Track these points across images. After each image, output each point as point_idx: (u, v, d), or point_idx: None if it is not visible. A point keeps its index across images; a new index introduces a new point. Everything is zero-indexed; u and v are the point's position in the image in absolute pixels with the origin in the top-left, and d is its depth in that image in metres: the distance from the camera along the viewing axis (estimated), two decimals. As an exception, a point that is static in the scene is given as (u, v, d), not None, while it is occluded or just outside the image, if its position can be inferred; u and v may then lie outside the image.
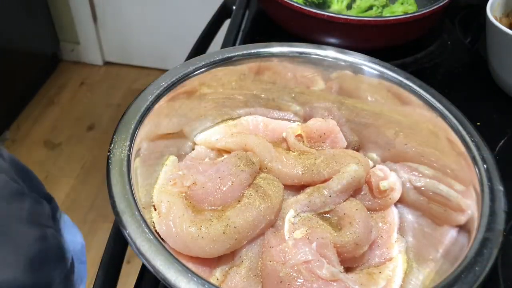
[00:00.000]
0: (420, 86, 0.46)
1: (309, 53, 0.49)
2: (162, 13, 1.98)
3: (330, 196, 0.42)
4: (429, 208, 0.44)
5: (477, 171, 0.39)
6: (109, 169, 0.36)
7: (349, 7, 0.76)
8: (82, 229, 0.80)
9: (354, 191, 0.44)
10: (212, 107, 0.50)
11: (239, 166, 0.42)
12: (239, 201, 0.40)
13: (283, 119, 0.53)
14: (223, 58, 0.48)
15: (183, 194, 0.41)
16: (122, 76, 2.18)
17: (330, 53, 0.49)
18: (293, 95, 0.52)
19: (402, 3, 0.76)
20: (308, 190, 0.43)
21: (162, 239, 0.38)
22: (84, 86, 2.11)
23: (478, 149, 0.40)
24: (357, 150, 0.51)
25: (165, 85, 0.44)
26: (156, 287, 0.45)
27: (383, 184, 0.44)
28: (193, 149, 0.50)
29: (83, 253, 0.76)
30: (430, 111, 0.44)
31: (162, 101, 0.43)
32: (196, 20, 1.44)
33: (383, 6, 0.76)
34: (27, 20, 1.86)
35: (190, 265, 0.38)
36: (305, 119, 0.53)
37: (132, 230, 0.32)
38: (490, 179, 0.38)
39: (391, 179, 0.45)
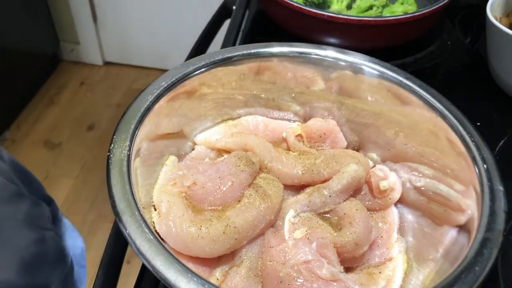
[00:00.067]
0: (420, 86, 0.46)
1: (309, 53, 0.49)
2: (162, 13, 1.98)
3: (330, 196, 0.42)
4: (429, 208, 0.44)
5: (477, 171, 0.39)
6: (109, 169, 0.36)
7: (349, 7, 0.76)
8: (82, 229, 0.80)
9: (354, 191, 0.44)
10: (212, 107, 0.50)
11: (239, 166, 0.42)
12: (239, 201, 0.40)
13: (283, 119, 0.53)
14: (223, 58, 0.48)
15: (183, 194, 0.41)
16: (122, 76, 2.18)
17: (330, 53, 0.49)
18: (293, 95, 0.52)
19: (402, 3, 0.76)
20: (308, 190, 0.43)
21: (162, 239, 0.38)
22: (84, 86, 2.11)
23: (478, 149, 0.40)
24: (357, 150, 0.51)
25: (165, 85, 0.44)
26: (156, 287, 0.45)
27: (383, 184, 0.44)
28: (193, 149, 0.50)
29: (83, 257, 0.76)
30: (430, 111, 0.44)
31: (162, 101, 0.43)
32: (196, 20, 1.44)
33: (383, 6, 0.76)
34: (27, 20, 1.86)
35: (190, 265, 0.38)
36: (305, 119, 0.53)
37: (132, 230, 0.32)
38: (490, 179, 0.38)
39: (391, 179, 0.45)
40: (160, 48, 2.11)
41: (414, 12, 0.64)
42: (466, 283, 0.31)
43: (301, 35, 0.68)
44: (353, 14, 0.74)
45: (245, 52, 0.48)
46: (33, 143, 1.82)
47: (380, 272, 0.40)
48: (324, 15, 0.62)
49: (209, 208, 0.40)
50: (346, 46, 0.53)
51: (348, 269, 0.41)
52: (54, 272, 0.62)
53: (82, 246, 0.77)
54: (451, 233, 0.40)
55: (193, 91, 0.47)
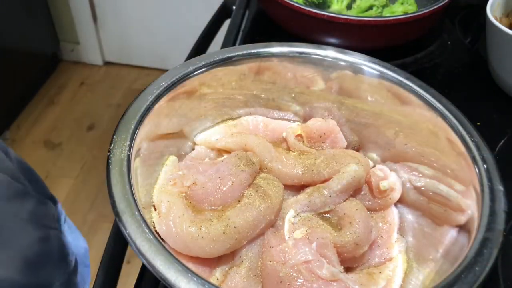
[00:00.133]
0: (420, 86, 0.46)
1: (309, 53, 0.49)
2: (162, 13, 1.98)
3: (330, 196, 0.42)
4: (429, 208, 0.44)
5: (477, 171, 0.39)
6: (109, 169, 0.36)
7: (349, 7, 0.76)
8: (82, 229, 0.80)
9: (354, 191, 0.44)
10: (212, 107, 0.50)
11: (239, 166, 0.42)
12: (239, 201, 0.40)
13: (283, 119, 0.53)
14: (223, 58, 0.47)
15: (183, 194, 0.41)
16: (122, 76, 2.18)
17: (330, 53, 0.49)
18: (293, 95, 0.52)
19: (402, 3, 0.76)
20: (308, 190, 0.43)
21: (162, 239, 0.38)
22: (84, 86, 2.11)
23: (478, 149, 0.40)
24: (357, 150, 0.51)
25: (165, 85, 0.44)
26: (156, 287, 0.45)
27: (383, 184, 0.44)
28: (193, 149, 0.50)
29: (87, 257, 0.77)
30: (430, 111, 0.44)
31: (162, 101, 0.43)
32: (196, 20, 1.44)
33: (383, 6, 0.76)
34: (27, 20, 1.86)
35: (190, 265, 0.38)
36: (305, 119, 0.53)
37: (132, 230, 0.32)
38: (490, 179, 0.38)
39: (391, 179, 0.45)
40: (160, 48, 2.11)
41: (414, 12, 0.64)
42: (466, 283, 0.31)
43: (301, 35, 0.68)
44: (353, 14, 0.74)
45: (245, 52, 0.48)
46: (33, 143, 1.82)
47: (380, 272, 0.40)
48: (324, 15, 0.62)
49: (209, 208, 0.40)
50: (346, 46, 0.53)
51: (348, 269, 0.41)
52: (58, 271, 0.63)
53: (85, 247, 0.77)
54: (451, 233, 0.40)
55: (193, 91, 0.47)
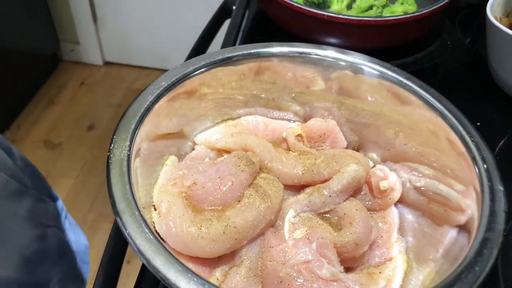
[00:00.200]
0: (420, 86, 0.46)
1: (309, 53, 0.49)
2: (162, 13, 1.98)
3: (330, 196, 0.42)
4: (429, 208, 0.44)
5: (477, 171, 0.39)
6: (109, 169, 0.36)
7: (349, 7, 0.76)
8: (82, 229, 0.80)
9: (354, 191, 0.44)
10: (212, 107, 0.50)
11: (239, 166, 0.42)
12: (239, 201, 0.40)
13: (283, 119, 0.53)
14: (223, 58, 0.47)
15: (183, 194, 0.41)
16: (122, 76, 2.18)
17: (330, 53, 0.49)
18: (293, 95, 0.52)
19: (402, 3, 0.76)
20: (308, 190, 0.43)
21: (162, 239, 0.38)
22: (84, 86, 2.11)
23: (478, 149, 0.40)
24: (357, 150, 0.51)
25: (165, 85, 0.44)
26: (156, 287, 0.45)
27: (383, 184, 0.44)
28: (193, 149, 0.50)
29: (87, 254, 0.77)
30: (430, 111, 0.44)
31: (162, 101, 0.43)
32: (196, 20, 1.44)
33: (383, 6, 0.76)
34: (27, 20, 1.86)
35: (190, 265, 0.38)
36: (305, 119, 0.53)
37: (132, 230, 0.32)
38: (490, 179, 0.38)
39: (391, 179, 0.45)
40: (160, 48, 2.11)
41: (414, 12, 0.64)
42: (466, 283, 0.31)
43: (301, 35, 0.68)
44: (353, 14, 0.74)
45: (245, 52, 0.48)
46: (33, 143, 1.82)
47: (380, 272, 0.40)
48: (324, 15, 0.62)
49: (209, 208, 0.40)
50: (346, 46, 0.53)
51: (348, 269, 0.41)
52: (55, 268, 0.63)
53: (86, 243, 0.77)
54: (451, 233, 0.40)
55: (193, 91, 0.47)
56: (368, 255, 0.42)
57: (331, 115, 0.51)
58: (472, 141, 0.41)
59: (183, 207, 0.39)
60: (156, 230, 0.38)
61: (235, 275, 0.38)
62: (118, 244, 0.49)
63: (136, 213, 0.33)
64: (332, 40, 0.66)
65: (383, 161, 0.50)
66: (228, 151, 0.47)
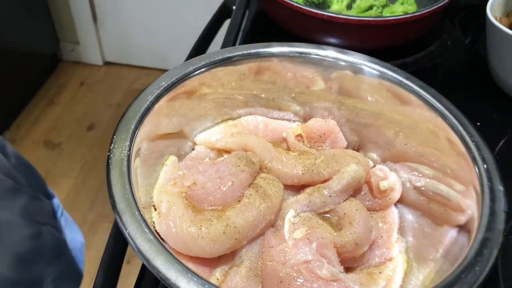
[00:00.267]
0: (420, 86, 0.46)
1: (309, 53, 0.49)
2: (162, 13, 1.98)
3: (330, 196, 0.42)
4: (429, 208, 0.44)
5: (477, 171, 0.39)
6: (109, 169, 0.36)
7: (349, 7, 0.76)
8: (82, 229, 0.80)
9: (354, 191, 0.44)
10: (212, 107, 0.50)
11: (239, 166, 0.42)
12: (239, 201, 0.40)
13: (283, 119, 0.53)
14: (223, 58, 0.47)
15: (183, 194, 0.41)
16: (122, 76, 2.18)
17: (330, 53, 0.49)
18: (293, 95, 0.52)
19: (402, 3, 0.76)
20: (308, 190, 0.43)
21: (162, 239, 0.38)
22: (84, 86, 2.11)
23: (478, 149, 0.40)
24: (357, 150, 0.51)
25: (165, 85, 0.44)
26: (156, 287, 0.45)
27: (383, 184, 0.44)
28: (193, 149, 0.50)
29: (82, 252, 0.76)
30: (430, 111, 0.44)
31: (162, 101, 0.43)
32: (196, 20, 1.44)
33: (383, 6, 0.76)
34: (27, 20, 1.86)
35: (190, 265, 0.38)
36: (305, 119, 0.53)
37: (132, 230, 0.32)
38: (490, 179, 0.38)
39: (391, 179, 0.45)
40: (160, 48, 2.11)
41: (414, 12, 0.64)
42: (466, 283, 0.31)
43: (301, 35, 0.68)
44: (353, 14, 0.74)
45: (245, 52, 0.48)
46: (33, 143, 1.82)
47: (380, 272, 0.40)
48: (324, 15, 0.63)
49: (209, 208, 0.40)
50: (346, 46, 0.53)
51: (348, 269, 0.41)
52: (50, 267, 0.63)
53: (82, 241, 0.77)
54: (451, 233, 0.40)
55: (193, 91, 0.47)
56: (368, 255, 0.42)
57: (331, 115, 0.51)
58: (472, 141, 0.41)
59: (183, 207, 0.39)
60: (156, 230, 0.38)
61: (235, 275, 0.38)
62: (118, 244, 0.49)
63: (136, 213, 0.33)
64: (332, 40, 0.66)
65: (383, 161, 0.50)
66: (228, 151, 0.47)
